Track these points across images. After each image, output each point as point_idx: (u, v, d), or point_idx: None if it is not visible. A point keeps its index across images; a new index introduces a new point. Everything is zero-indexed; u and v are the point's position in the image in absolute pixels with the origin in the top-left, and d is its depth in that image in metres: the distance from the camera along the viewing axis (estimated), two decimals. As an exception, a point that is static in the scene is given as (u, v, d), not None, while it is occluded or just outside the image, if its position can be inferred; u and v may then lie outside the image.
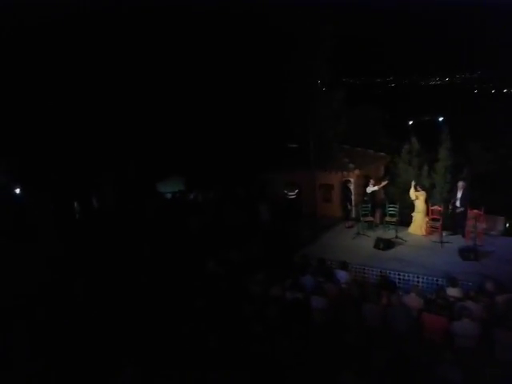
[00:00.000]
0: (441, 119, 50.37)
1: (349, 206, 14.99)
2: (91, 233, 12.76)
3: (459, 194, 12.38)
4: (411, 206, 13.16)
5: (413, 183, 13.10)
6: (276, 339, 7.08)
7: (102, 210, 14.84)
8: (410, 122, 47.93)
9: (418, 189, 12.92)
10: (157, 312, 8.17)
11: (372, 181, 13.95)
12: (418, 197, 12.81)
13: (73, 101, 16.34)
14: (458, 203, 12.37)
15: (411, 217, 13.22)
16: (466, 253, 10.95)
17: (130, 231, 12.62)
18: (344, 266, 10.03)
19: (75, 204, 14.23)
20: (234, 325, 7.70)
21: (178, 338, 7.27)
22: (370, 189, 13.78)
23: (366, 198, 13.82)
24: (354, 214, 14.60)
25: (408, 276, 10.40)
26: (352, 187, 15.45)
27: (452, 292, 8.75)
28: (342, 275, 9.79)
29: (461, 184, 12.48)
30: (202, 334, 7.27)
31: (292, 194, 14.89)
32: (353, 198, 15.21)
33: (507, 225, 12.78)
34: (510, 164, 18.18)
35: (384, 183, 14.39)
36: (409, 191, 13.31)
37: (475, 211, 11.88)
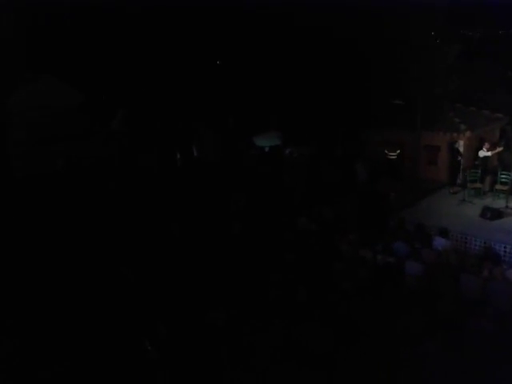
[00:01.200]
0: None
1: (456, 171, 13.94)
2: (191, 180, 13.37)
3: None
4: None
5: None
6: (364, 300, 7.02)
7: (201, 159, 15.46)
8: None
9: None
10: (248, 260, 8.46)
11: (486, 144, 12.78)
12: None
13: (177, 58, 16.90)
14: None
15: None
16: None
17: (227, 181, 13.04)
18: (444, 232, 9.57)
19: (177, 153, 15.00)
20: (323, 281, 7.75)
21: (268, 288, 7.49)
22: (482, 153, 12.68)
23: (476, 163, 12.78)
24: (460, 180, 13.60)
25: (515, 249, 9.60)
26: (461, 150, 14.27)
27: None
28: (440, 242, 9.33)
29: None
30: (292, 287, 7.43)
31: (393, 154, 14.17)
32: (461, 161, 14.08)
33: None
34: None
35: (499, 149, 13.13)
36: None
37: None
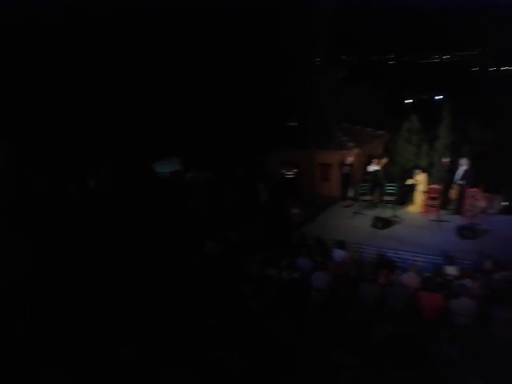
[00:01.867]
0: (440, 97, 50.03)
1: (347, 185, 14.89)
2: (88, 213, 12.67)
3: (461, 172, 12.32)
4: (411, 186, 13.11)
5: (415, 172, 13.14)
6: (274, 318, 7.12)
7: (98, 189, 14.74)
8: (410, 100, 47.58)
9: (417, 173, 12.94)
10: (155, 293, 8.18)
11: (375, 160, 13.85)
12: (417, 178, 12.82)
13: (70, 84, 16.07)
14: (459, 181, 12.31)
15: (410, 196, 13.21)
16: (464, 231, 10.96)
17: (128, 211, 12.57)
18: (341, 245, 10.02)
19: (71, 184, 14.14)
20: (233, 304, 7.73)
21: (178, 319, 7.29)
22: (371, 167, 13.67)
23: (367, 177, 13.72)
24: (352, 194, 14.55)
25: (405, 255, 10.42)
26: (351, 166, 15.35)
27: (450, 270, 8.78)
28: (339, 254, 9.79)
29: (463, 161, 12.39)
30: (202, 314, 7.30)
31: (290, 174, 14.78)
32: (351, 177, 15.12)
33: (505, 203, 12.75)
34: (507, 142, 18.08)
35: (385, 161, 14.25)
36: (408, 170, 13.28)
37: (474, 189, 11.86)
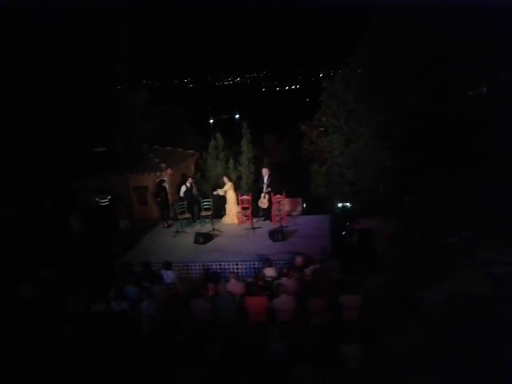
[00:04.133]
0: (238, 116, 54.32)
1: (165, 206, 15.00)
2: None
3: (265, 182, 13.57)
4: (223, 199, 13.86)
5: (224, 179, 13.90)
6: (108, 355, 6.78)
7: None
8: (212, 120, 50.41)
9: (225, 181, 13.71)
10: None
11: (190, 179, 14.22)
12: (226, 190, 13.60)
13: None
14: (265, 189, 13.53)
15: (224, 209, 13.98)
16: (275, 234, 12.06)
17: None
18: (168, 265, 10.02)
19: None
20: (56, 350, 7.08)
21: None
22: (184, 187, 13.99)
23: (182, 196, 13.99)
24: (171, 213, 14.69)
25: (229, 264, 10.97)
26: (167, 186, 15.55)
27: (269, 272, 9.57)
28: (168, 275, 9.80)
29: (264, 171, 13.70)
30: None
31: (104, 201, 14.14)
32: (168, 197, 15.30)
33: (304, 205, 14.49)
34: (298, 153, 20.61)
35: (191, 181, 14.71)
36: (219, 185, 14.02)
37: (278, 196, 13.20)
